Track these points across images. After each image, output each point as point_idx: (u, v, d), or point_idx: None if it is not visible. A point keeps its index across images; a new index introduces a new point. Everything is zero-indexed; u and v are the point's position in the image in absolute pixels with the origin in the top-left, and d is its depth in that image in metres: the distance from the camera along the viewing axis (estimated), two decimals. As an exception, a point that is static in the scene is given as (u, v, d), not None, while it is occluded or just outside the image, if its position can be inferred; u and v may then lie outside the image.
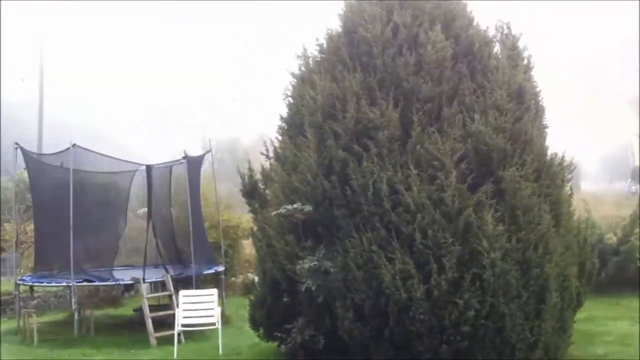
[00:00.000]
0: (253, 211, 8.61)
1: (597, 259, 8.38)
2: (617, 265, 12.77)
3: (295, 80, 8.40)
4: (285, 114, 8.47)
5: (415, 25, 7.54)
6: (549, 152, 7.66)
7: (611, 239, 13.59)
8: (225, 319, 10.69)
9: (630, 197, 25.74)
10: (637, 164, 38.55)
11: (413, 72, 7.27)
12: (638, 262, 12.95)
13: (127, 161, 13.42)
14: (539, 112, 7.77)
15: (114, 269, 13.40)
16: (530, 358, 6.67)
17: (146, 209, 13.77)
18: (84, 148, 11.93)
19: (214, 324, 9.33)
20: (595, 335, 9.05)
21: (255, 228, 8.54)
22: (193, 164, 12.66)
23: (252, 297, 8.44)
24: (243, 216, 14.79)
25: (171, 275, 11.36)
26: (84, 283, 11.70)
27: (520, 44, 8.04)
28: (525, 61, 7.96)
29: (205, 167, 17.85)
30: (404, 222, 6.61)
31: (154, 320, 10.45)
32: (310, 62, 8.28)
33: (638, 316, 10.49)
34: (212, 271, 12.66)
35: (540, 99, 7.92)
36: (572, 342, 7.75)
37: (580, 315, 8.14)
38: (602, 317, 10.31)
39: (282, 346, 7.71)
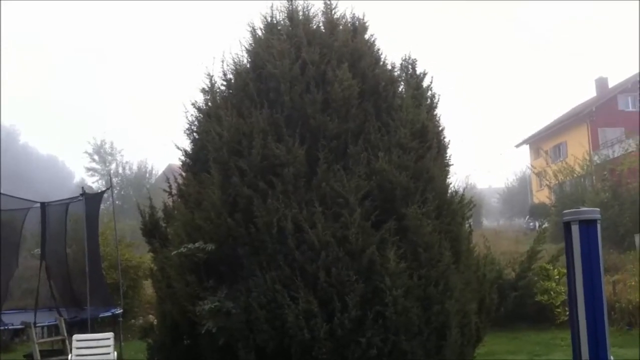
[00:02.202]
0: (153, 250, 8.24)
1: (496, 295, 8.60)
2: (515, 300, 13.24)
3: (201, 116, 8.21)
4: (190, 150, 8.25)
5: (323, 63, 7.56)
6: (450, 189, 7.86)
7: (510, 274, 14.12)
8: (123, 364, 10.14)
9: (528, 233, 27.10)
10: (534, 200, 40.74)
11: (320, 110, 7.25)
12: (535, 297, 13.54)
13: (20, 198, 12.68)
14: (441, 150, 7.92)
15: (4, 313, 12.50)
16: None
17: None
18: (-28, 185, 11.20)
19: (109, 369, 8.83)
20: (495, 370, 9.29)
21: (155, 268, 8.18)
22: (91, 201, 12.13)
23: (150, 341, 8.02)
24: (145, 255, 14.19)
25: (65, 319, 10.72)
26: (-32, 328, 10.82)
27: (424, 83, 8.24)
28: (429, 100, 8.17)
29: (108, 204, 17.19)
30: (308, 260, 6.53)
31: (45, 367, 9.78)
32: (217, 98, 8.12)
33: (535, 350, 10.91)
34: (109, 314, 12.05)
35: (442, 137, 8.07)
36: (473, 378, 7.86)
37: (480, 350, 8.30)
38: (501, 352, 10.61)
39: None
